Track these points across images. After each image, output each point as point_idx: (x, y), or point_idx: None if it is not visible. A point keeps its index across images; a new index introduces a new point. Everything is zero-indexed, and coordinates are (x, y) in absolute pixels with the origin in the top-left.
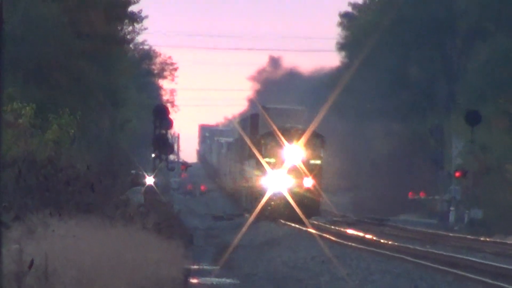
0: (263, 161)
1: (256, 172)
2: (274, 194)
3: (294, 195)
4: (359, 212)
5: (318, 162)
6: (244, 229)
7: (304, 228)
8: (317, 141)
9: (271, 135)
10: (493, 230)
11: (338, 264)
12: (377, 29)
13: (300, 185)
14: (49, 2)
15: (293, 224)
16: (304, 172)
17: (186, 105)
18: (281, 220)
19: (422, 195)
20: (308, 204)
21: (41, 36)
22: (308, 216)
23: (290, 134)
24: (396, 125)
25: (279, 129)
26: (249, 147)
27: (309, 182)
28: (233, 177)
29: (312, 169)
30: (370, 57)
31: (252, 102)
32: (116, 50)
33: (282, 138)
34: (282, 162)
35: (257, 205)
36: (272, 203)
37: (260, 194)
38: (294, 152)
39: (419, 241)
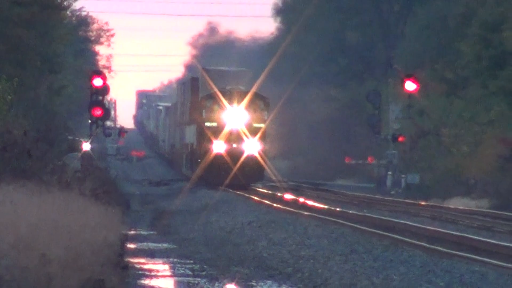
0: (204, 125)
1: (196, 137)
2: (215, 160)
3: (236, 160)
4: (296, 177)
5: (262, 125)
6: (182, 195)
7: (241, 193)
8: (260, 103)
9: (212, 97)
10: (429, 195)
11: (275, 229)
12: None
13: (243, 150)
14: None
15: (232, 190)
16: (247, 136)
17: (123, 71)
18: (221, 187)
19: (359, 159)
20: (251, 169)
21: None
22: (252, 182)
23: (232, 96)
24: (334, 90)
25: (220, 91)
26: (189, 112)
27: (252, 146)
28: (172, 143)
29: (255, 133)
30: (307, 22)
31: (189, 67)
32: (53, 16)
33: (224, 101)
34: (224, 126)
35: (197, 171)
36: (213, 168)
37: (200, 159)
38: (236, 115)
39: (356, 206)
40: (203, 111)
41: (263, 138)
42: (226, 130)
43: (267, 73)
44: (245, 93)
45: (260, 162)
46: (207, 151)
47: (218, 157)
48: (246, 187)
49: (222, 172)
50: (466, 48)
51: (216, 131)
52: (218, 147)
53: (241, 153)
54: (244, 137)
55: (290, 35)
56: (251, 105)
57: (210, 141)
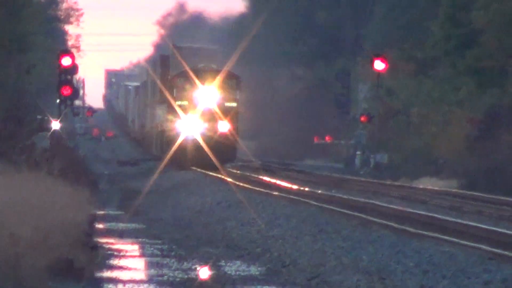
0: (175, 104)
1: (167, 117)
2: (187, 140)
3: (208, 140)
4: (265, 156)
5: (234, 104)
6: (151, 175)
7: (211, 173)
8: (232, 82)
9: (183, 76)
10: (398, 174)
11: (244, 209)
12: None
13: (215, 130)
14: None
15: (204, 171)
16: (219, 116)
17: (92, 50)
18: (193, 167)
19: (327, 139)
20: (224, 149)
21: None
22: (224, 162)
23: (204, 74)
24: (302, 70)
25: (192, 70)
26: (160, 90)
27: (224, 126)
28: (141, 123)
29: (227, 112)
30: (276, 2)
31: (158, 46)
32: None
33: (195, 79)
34: (195, 105)
35: (168, 152)
36: (185, 149)
37: (171, 139)
38: (208, 94)
39: (325, 186)
40: (174, 89)
41: (235, 118)
42: (197, 109)
43: (239, 52)
44: (217, 72)
45: (233, 142)
46: (178, 130)
47: (190, 137)
48: (218, 167)
49: (194, 152)
50: (435, 28)
51: (187, 110)
52: (190, 126)
53: (213, 132)
54: (216, 116)
55: (259, 16)
56: (223, 84)
57: (181, 121)
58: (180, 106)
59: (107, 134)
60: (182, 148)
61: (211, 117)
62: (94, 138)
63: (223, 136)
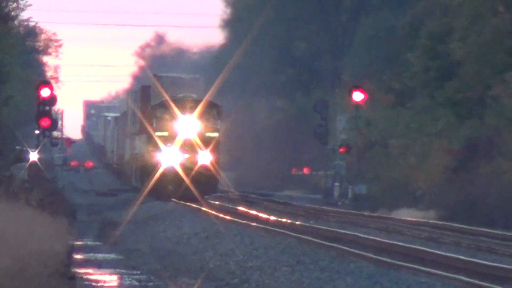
0: (154, 135)
1: (147, 148)
2: (167, 171)
3: (188, 171)
4: (243, 187)
5: (215, 134)
6: (129, 205)
7: (189, 204)
8: (213, 111)
9: (163, 106)
10: (377, 205)
11: (222, 239)
12: (261, 5)
13: (195, 161)
14: None
15: (183, 202)
16: (200, 146)
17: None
18: (173, 199)
19: (306, 171)
20: (204, 181)
21: None
22: (205, 194)
23: (184, 104)
24: (281, 100)
25: (172, 99)
26: (140, 121)
27: (205, 157)
28: (121, 154)
29: (208, 143)
30: (255, 32)
31: (137, 77)
32: (0, 27)
33: (175, 109)
34: (175, 136)
35: (147, 183)
36: (164, 180)
37: (151, 171)
38: (188, 124)
39: (303, 217)
40: (154, 120)
41: (216, 148)
42: (178, 139)
43: (220, 82)
44: (198, 101)
45: (214, 173)
46: (158, 162)
47: (170, 168)
48: (199, 199)
49: (174, 184)
50: (413, 59)
51: (168, 141)
52: (170, 157)
53: (194, 163)
54: (196, 147)
55: (239, 47)
56: (204, 114)
57: (161, 152)
58: (160, 137)
59: (86, 165)
60: (161, 179)
61: (192, 148)
62: (72, 169)
63: (204, 167)
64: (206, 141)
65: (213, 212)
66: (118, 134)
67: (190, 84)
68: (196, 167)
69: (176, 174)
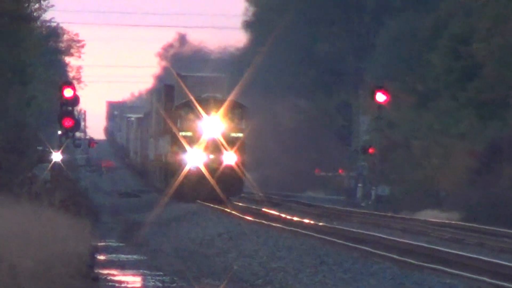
0: (179, 135)
1: (171, 148)
2: (191, 171)
3: (213, 172)
4: (266, 188)
5: (240, 135)
6: (152, 206)
7: (212, 205)
8: (238, 111)
9: (187, 106)
10: (400, 207)
11: (245, 240)
12: (283, 7)
13: (220, 161)
14: None
15: (206, 203)
16: (225, 147)
17: (93, 81)
18: (198, 201)
19: (328, 171)
20: (229, 182)
21: None
22: (231, 195)
23: (209, 104)
24: (303, 101)
25: (196, 99)
26: (164, 121)
27: (230, 157)
28: (144, 154)
29: (233, 143)
30: (277, 34)
31: (159, 77)
32: (23, 27)
33: (200, 109)
34: (200, 136)
35: (172, 184)
36: (189, 181)
37: (175, 172)
38: (213, 124)
39: (326, 218)
40: (178, 120)
41: (241, 149)
42: (202, 140)
43: (244, 81)
44: (222, 101)
45: (239, 174)
46: (183, 162)
47: (194, 169)
48: (224, 201)
49: (199, 185)
50: (436, 60)
51: (192, 141)
52: (194, 158)
53: (219, 164)
54: (221, 147)
55: (261, 48)
56: (228, 114)
57: (186, 152)
58: (184, 137)
59: (108, 165)
60: (186, 180)
61: (216, 148)
62: (95, 170)
63: (229, 168)
64: (231, 142)
65: (236, 213)
66: (141, 134)
67: (214, 84)
68: (221, 168)
69: (201, 174)
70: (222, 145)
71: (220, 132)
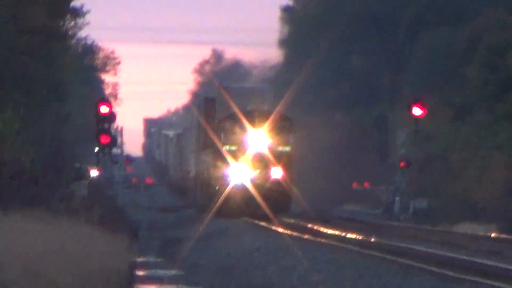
0: (222, 149)
1: (215, 163)
2: (236, 188)
3: (259, 188)
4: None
5: (287, 149)
6: (191, 222)
7: (246, 219)
8: (285, 124)
9: (232, 118)
10: (438, 220)
11: (283, 254)
12: (319, 23)
13: (267, 177)
14: None
15: (255, 221)
16: (272, 161)
17: (129, 98)
18: (244, 218)
19: (366, 185)
20: (277, 198)
21: None
22: (277, 212)
23: (254, 116)
24: (340, 116)
25: (241, 112)
26: (206, 135)
27: (277, 172)
28: (185, 170)
29: (280, 157)
30: (312, 50)
31: (195, 94)
32: (58, 45)
33: (245, 122)
34: (245, 150)
35: (215, 200)
36: (234, 198)
37: (219, 188)
38: (259, 137)
39: (364, 231)
40: (222, 133)
41: (289, 163)
42: (248, 154)
43: (291, 94)
44: (269, 114)
45: (287, 190)
46: (227, 178)
47: (239, 185)
48: (272, 218)
49: (244, 202)
50: (472, 73)
51: (237, 156)
52: (239, 173)
53: (266, 180)
54: (268, 162)
55: (297, 63)
56: (275, 127)
57: (230, 167)
58: (228, 151)
59: (146, 182)
60: (230, 196)
61: (263, 163)
62: (133, 186)
63: (276, 183)
64: (278, 156)
65: (274, 227)
66: (181, 150)
67: (259, 96)
68: (268, 184)
69: (247, 191)
70: (269, 159)
71: (267, 146)
